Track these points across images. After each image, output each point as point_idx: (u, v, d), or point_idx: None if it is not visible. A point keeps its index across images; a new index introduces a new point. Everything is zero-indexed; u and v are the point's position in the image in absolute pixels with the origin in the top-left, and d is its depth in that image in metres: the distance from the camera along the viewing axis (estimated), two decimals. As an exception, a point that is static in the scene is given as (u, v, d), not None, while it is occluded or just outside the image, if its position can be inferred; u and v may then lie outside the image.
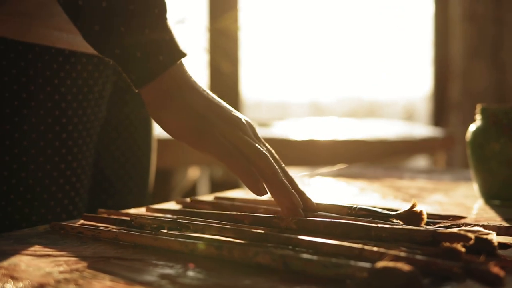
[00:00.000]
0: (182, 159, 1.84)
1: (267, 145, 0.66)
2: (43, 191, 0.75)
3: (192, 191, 2.61)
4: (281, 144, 1.73)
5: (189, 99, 0.63)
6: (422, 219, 0.57)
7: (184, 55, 0.63)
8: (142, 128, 0.93)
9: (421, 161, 3.15)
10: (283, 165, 0.64)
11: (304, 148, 1.77)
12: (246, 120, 0.65)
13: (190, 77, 0.65)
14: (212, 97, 0.65)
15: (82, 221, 0.63)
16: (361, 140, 1.77)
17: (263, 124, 2.17)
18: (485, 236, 0.48)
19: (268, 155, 0.61)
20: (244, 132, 0.63)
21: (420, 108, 3.65)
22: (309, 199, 0.63)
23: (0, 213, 0.73)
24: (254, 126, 0.66)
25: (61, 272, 0.44)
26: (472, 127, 0.80)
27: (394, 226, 0.51)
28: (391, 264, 0.41)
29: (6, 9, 0.72)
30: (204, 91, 0.65)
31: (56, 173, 0.76)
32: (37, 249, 0.51)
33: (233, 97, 2.97)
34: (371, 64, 3.64)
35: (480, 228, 0.51)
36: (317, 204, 0.64)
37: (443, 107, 3.13)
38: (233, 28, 2.20)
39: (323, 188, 0.94)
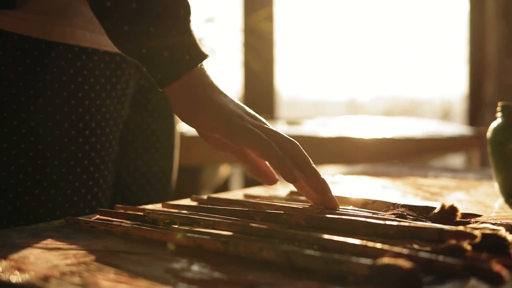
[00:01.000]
0: (211, 157, 1.85)
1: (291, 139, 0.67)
2: (67, 186, 0.77)
3: (223, 188, 2.63)
4: (312, 142, 1.72)
5: (215, 97, 0.65)
6: (456, 215, 0.58)
7: (206, 56, 0.66)
8: (165, 126, 0.94)
9: (456, 160, 3.10)
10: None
11: (337, 145, 1.77)
12: (266, 121, 0.67)
13: (212, 78, 0.67)
14: (234, 99, 0.68)
15: (98, 216, 0.64)
16: (390, 138, 1.75)
17: (294, 122, 2.17)
18: (491, 233, 0.48)
19: (296, 142, 0.63)
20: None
21: (457, 106, 3.60)
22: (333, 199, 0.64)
23: (24, 207, 0.75)
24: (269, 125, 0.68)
25: (68, 265, 0.45)
26: (493, 125, 0.79)
27: (401, 224, 0.50)
28: (392, 261, 0.41)
29: (30, 8, 0.74)
30: (225, 91, 0.67)
31: (79, 169, 0.78)
32: (48, 242, 0.52)
33: (268, 95, 2.97)
34: (408, 62, 3.60)
35: (489, 226, 0.50)
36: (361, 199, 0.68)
37: (479, 105, 3.08)
38: (265, 27, 2.19)
39: (345, 185, 0.94)
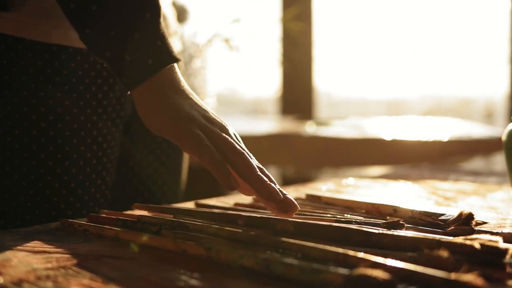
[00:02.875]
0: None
1: (245, 148, 0.66)
2: (62, 187, 0.77)
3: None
4: (333, 143, 1.70)
5: (174, 101, 0.64)
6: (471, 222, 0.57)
7: (175, 60, 0.65)
8: None
9: (499, 162, 3.02)
10: (260, 165, 0.64)
11: (362, 147, 1.74)
12: (230, 128, 0.66)
13: (180, 82, 0.66)
14: (200, 103, 0.66)
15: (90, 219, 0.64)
16: (417, 141, 1.71)
17: (322, 123, 2.14)
18: (490, 244, 0.46)
19: (244, 151, 0.61)
20: (223, 131, 0.64)
21: (502, 106, 3.51)
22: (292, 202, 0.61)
23: (37, 209, 0.75)
24: (237, 135, 0.67)
25: (47, 269, 0.45)
26: (509, 128, 0.76)
27: (396, 233, 0.49)
28: (368, 271, 0.39)
29: (24, 10, 0.74)
30: (193, 96, 0.66)
31: (74, 170, 0.77)
32: (37, 245, 0.52)
33: (307, 94, 2.95)
34: (454, 61, 3.52)
35: (488, 236, 0.48)
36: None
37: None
38: (293, 26, 2.18)
39: (358, 189, 0.92)
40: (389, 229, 0.58)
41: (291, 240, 0.48)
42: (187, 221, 0.56)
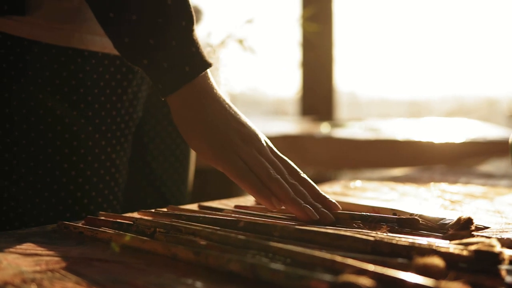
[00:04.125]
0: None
1: (283, 157, 0.69)
2: (76, 189, 0.77)
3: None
4: (348, 145, 1.69)
5: (210, 113, 0.66)
6: (470, 228, 0.56)
7: (209, 65, 0.67)
8: None
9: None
10: (302, 174, 0.67)
11: (376, 148, 1.73)
12: (261, 137, 0.68)
13: (214, 88, 0.68)
14: (234, 111, 0.68)
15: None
16: (430, 142, 1.69)
17: (337, 125, 2.13)
18: (483, 250, 0.45)
19: (278, 177, 0.64)
20: (259, 150, 0.66)
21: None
22: (332, 203, 0.65)
23: (51, 211, 0.76)
24: (268, 142, 0.69)
25: (34, 272, 0.45)
26: (515, 130, 0.74)
27: (393, 241, 0.48)
28: (352, 278, 0.38)
29: (40, 14, 0.75)
30: (226, 103, 0.68)
31: (89, 172, 0.78)
32: (30, 247, 0.53)
33: (327, 95, 2.94)
34: (476, 61, 3.48)
35: (485, 241, 0.47)
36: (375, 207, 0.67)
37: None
38: (307, 27, 2.17)
39: (365, 192, 0.91)
40: (401, 226, 0.58)
41: (280, 245, 0.47)
42: (180, 224, 0.55)
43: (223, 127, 0.66)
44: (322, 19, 2.82)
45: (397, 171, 1.65)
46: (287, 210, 0.64)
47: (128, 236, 0.51)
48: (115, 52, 0.80)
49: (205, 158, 0.66)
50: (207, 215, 0.61)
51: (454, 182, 1.02)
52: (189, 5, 0.67)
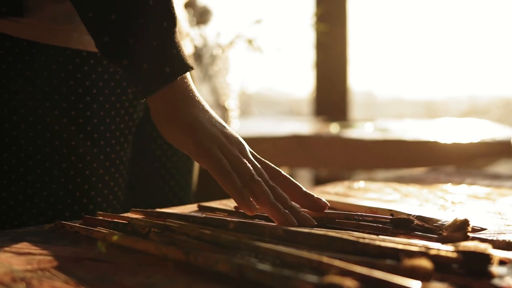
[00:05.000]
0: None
1: (265, 161, 0.68)
2: (75, 189, 0.78)
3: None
4: (356, 145, 1.69)
5: (194, 111, 0.65)
6: (466, 229, 0.55)
7: (190, 68, 0.67)
8: None
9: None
10: (284, 174, 0.67)
11: (385, 148, 1.72)
12: (243, 141, 0.68)
13: (194, 91, 0.67)
14: (215, 116, 0.68)
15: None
16: (439, 142, 1.69)
17: (346, 126, 2.12)
18: (473, 251, 0.45)
19: (259, 179, 0.63)
20: (241, 151, 0.65)
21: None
22: (320, 200, 0.65)
23: (51, 210, 0.76)
24: (250, 149, 0.68)
25: (25, 271, 0.46)
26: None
27: (382, 243, 0.48)
28: (337, 279, 0.38)
29: (38, 15, 0.75)
30: (207, 108, 0.68)
31: (88, 172, 0.78)
32: (24, 246, 0.53)
33: (341, 95, 2.93)
34: (491, 60, 3.45)
35: (477, 243, 0.47)
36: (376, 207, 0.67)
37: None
38: (318, 27, 2.16)
39: (367, 193, 0.90)
40: (396, 226, 0.58)
41: (269, 246, 0.47)
42: (174, 224, 0.55)
43: (208, 124, 0.65)
44: (336, 19, 2.81)
45: (405, 172, 1.64)
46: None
47: (116, 236, 0.51)
48: None
49: (190, 153, 0.65)
50: (197, 216, 0.61)
51: (459, 183, 1.01)
52: (171, 6, 0.66)
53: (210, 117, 0.66)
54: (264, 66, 2.98)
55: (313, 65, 2.97)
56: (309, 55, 2.94)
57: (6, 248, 0.52)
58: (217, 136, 0.64)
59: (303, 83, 3.28)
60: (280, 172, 0.67)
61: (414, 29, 3.40)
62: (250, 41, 1.86)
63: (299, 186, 0.66)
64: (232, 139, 0.66)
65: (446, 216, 0.61)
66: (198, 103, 0.66)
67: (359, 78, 3.20)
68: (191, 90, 0.67)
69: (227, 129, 0.67)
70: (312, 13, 2.30)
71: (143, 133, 0.89)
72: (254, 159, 0.67)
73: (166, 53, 0.65)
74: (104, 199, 0.80)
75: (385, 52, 3.46)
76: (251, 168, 0.64)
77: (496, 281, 0.43)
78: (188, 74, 0.67)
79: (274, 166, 0.68)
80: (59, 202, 0.77)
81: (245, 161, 0.64)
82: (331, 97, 2.98)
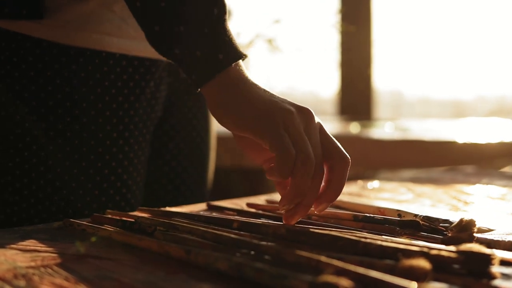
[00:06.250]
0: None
1: (329, 138, 0.60)
2: (94, 187, 0.79)
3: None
4: (369, 144, 1.68)
5: (249, 95, 0.61)
6: (471, 230, 0.54)
7: (243, 55, 0.63)
8: (201, 127, 0.95)
9: None
10: (341, 161, 0.59)
11: (403, 148, 1.71)
12: (308, 109, 0.61)
13: (249, 77, 0.64)
14: (273, 93, 0.62)
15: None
16: (462, 143, 1.67)
17: (366, 125, 2.11)
18: (473, 251, 0.44)
19: (311, 161, 0.56)
20: (307, 124, 0.59)
21: None
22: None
23: (71, 209, 0.78)
24: (316, 117, 0.61)
25: (28, 268, 0.46)
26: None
27: (383, 243, 0.47)
28: (332, 279, 0.38)
29: (58, 17, 0.76)
30: (264, 89, 0.63)
31: (107, 171, 0.80)
32: (30, 244, 0.54)
33: (366, 94, 2.91)
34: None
35: (477, 245, 0.46)
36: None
37: None
38: (341, 27, 2.15)
39: (381, 193, 0.90)
40: (402, 227, 0.57)
41: (269, 244, 0.47)
42: (178, 223, 0.56)
43: (264, 102, 0.59)
44: (360, 18, 2.80)
45: (422, 172, 1.63)
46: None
47: (94, 238, 0.52)
48: (133, 53, 0.81)
49: (251, 132, 0.59)
50: (201, 215, 0.61)
51: (475, 183, 1.00)
52: None
53: (268, 96, 0.61)
54: (287, 66, 2.98)
55: (338, 64, 2.96)
56: (334, 55, 2.93)
57: (13, 245, 0.53)
58: (275, 110, 0.58)
59: (328, 83, 3.27)
60: (338, 156, 0.59)
61: (443, 28, 3.36)
62: (270, 41, 1.85)
63: (338, 189, 0.59)
64: (298, 111, 0.59)
65: (455, 217, 0.60)
66: (254, 86, 0.62)
67: (387, 78, 3.18)
68: (246, 75, 0.63)
69: (291, 102, 0.60)
70: (336, 11, 2.29)
71: (161, 132, 0.90)
72: (321, 133, 0.60)
73: (219, 40, 0.62)
74: (122, 197, 0.81)
75: (413, 51, 3.42)
76: (309, 146, 0.57)
77: (496, 282, 0.42)
78: (241, 62, 0.64)
79: (338, 147, 0.60)
80: (78, 200, 0.77)
81: (306, 138, 0.57)
82: (355, 97, 2.97)
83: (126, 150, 0.81)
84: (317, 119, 0.60)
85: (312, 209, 0.59)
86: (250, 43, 1.84)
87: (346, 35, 2.68)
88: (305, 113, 0.59)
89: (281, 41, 1.88)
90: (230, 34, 0.63)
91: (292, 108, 0.59)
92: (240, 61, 0.63)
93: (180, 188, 0.93)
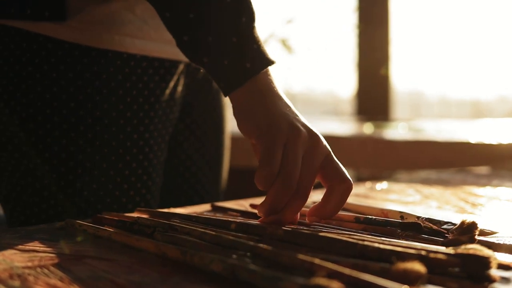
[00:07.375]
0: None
1: (335, 166, 0.61)
2: (115, 188, 0.79)
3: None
4: (380, 145, 1.67)
5: (269, 105, 0.62)
6: (473, 232, 0.53)
7: (271, 63, 0.65)
8: (216, 127, 0.95)
9: None
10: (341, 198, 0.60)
11: (411, 150, 1.69)
12: (318, 135, 0.62)
13: (276, 86, 0.65)
14: (292, 109, 0.64)
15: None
16: (474, 143, 1.65)
17: (379, 126, 2.10)
18: (470, 254, 0.44)
19: (290, 190, 0.57)
20: (311, 147, 0.60)
21: None
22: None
23: (71, 208, 0.78)
24: (324, 143, 0.62)
25: (24, 268, 0.46)
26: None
27: (381, 246, 0.47)
28: (323, 281, 0.38)
29: (80, 18, 0.77)
30: (287, 100, 0.65)
31: (127, 172, 0.80)
32: (30, 244, 0.54)
33: (383, 94, 2.90)
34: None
35: (478, 247, 0.46)
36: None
37: None
38: (358, 27, 2.14)
39: (388, 194, 0.89)
40: (403, 229, 0.57)
41: (265, 246, 0.47)
42: (177, 224, 0.56)
43: (278, 115, 0.61)
44: (378, 18, 2.78)
45: (432, 173, 1.61)
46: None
47: (80, 237, 0.52)
48: (154, 54, 0.81)
49: (254, 137, 0.62)
50: (200, 216, 0.61)
51: (485, 184, 0.99)
52: (249, 1, 0.65)
53: (290, 110, 0.63)
54: (304, 66, 2.97)
55: (355, 64, 2.95)
56: (351, 55, 2.92)
57: (13, 245, 0.53)
58: (290, 126, 0.60)
59: (347, 83, 3.25)
60: (339, 178, 0.60)
61: (463, 26, 3.32)
62: (283, 41, 1.85)
63: (334, 210, 0.60)
64: (307, 133, 0.60)
65: (458, 219, 0.59)
66: (279, 96, 0.64)
67: (406, 78, 3.15)
68: (272, 84, 0.64)
69: (299, 121, 0.62)
70: (353, 9, 2.27)
71: (176, 132, 0.90)
72: (327, 159, 0.61)
73: (247, 49, 0.63)
74: (142, 198, 0.81)
75: (433, 51, 3.39)
76: (296, 169, 0.58)
77: (495, 286, 0.41)
78: (269, 70, 0.65)
79: (341, 170, 0.61)
80: (99, 202, 0.78)
81: (298, 160, 0.58)
82: (373, 97, 2.95)
83: (146, 151, 0.81)
84: (325, 145, 0.61)
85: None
86: (264, 42, 1.84)
87: (364, 34, 2.66)
88: (312, 137, 0.61)
89: (296, 41, 1.87)
90: (259, 41, 0.65)
91: (302, 128, 0.61)
92: (269, 68, 0.65)
93: (195, 187, 0.94)
